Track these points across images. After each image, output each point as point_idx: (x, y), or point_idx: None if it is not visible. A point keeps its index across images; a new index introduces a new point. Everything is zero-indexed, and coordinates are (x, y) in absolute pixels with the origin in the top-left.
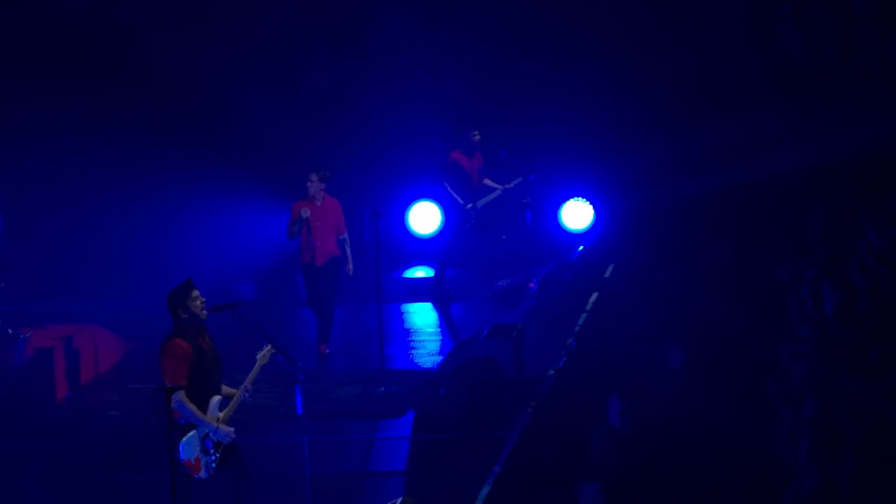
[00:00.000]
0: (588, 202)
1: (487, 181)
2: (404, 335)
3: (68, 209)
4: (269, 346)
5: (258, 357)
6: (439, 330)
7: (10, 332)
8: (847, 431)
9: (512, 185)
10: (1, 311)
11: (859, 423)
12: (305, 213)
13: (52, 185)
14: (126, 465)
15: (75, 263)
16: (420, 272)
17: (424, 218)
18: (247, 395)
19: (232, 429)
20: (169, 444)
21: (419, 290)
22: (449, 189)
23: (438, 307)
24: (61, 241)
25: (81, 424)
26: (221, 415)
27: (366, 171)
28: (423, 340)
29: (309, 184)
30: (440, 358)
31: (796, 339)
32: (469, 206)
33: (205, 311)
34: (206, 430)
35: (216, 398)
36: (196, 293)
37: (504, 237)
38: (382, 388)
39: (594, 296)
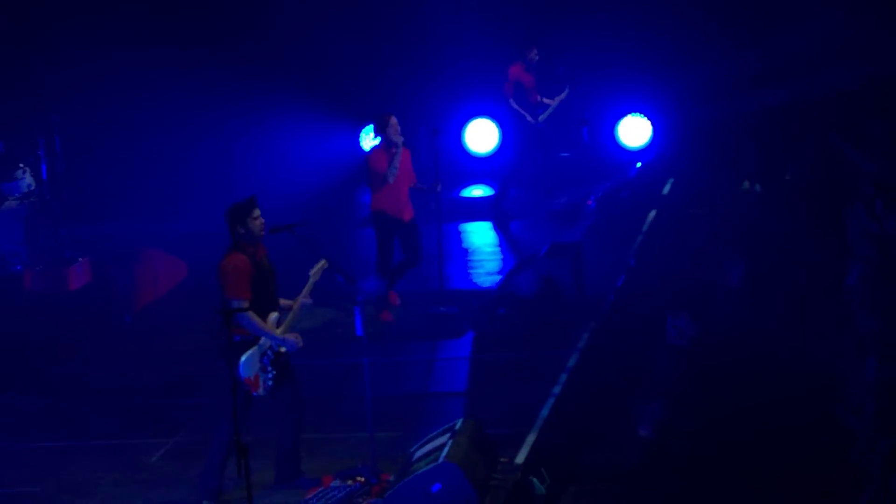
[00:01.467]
0: (646, 118)
1: (542, 98)
2: (463, 255)
3: (125, 132)
4: (323, 261)
5: (311, 273)
6: (498, 249)
7: (69, 255)
8: None
9: (564, 96)
10: (59, 235)
11: None
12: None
13: (109, 108)
14: (186, 388)
15: (133, 187)
16: (478, 191)
17: (482, 136)
18: (307, 302)
19: (298, 336)
20: (229, 364)
21: (478, 210)
22: (515, 105)
23: (497, 226)
24: (118, 165)
25: (142, 347)
26: (280, 330)
27: (423, 87)
28: (482, 260)
29: (391, 129)
30: (499, 277)
31: (858, 256)
32: (538, 119)
33: (263, 231)
34: (265, 348)
35: (273, 314)
36: (258, 212)
37: (564, 154)
38: (442, 309)
39: (652, 213)
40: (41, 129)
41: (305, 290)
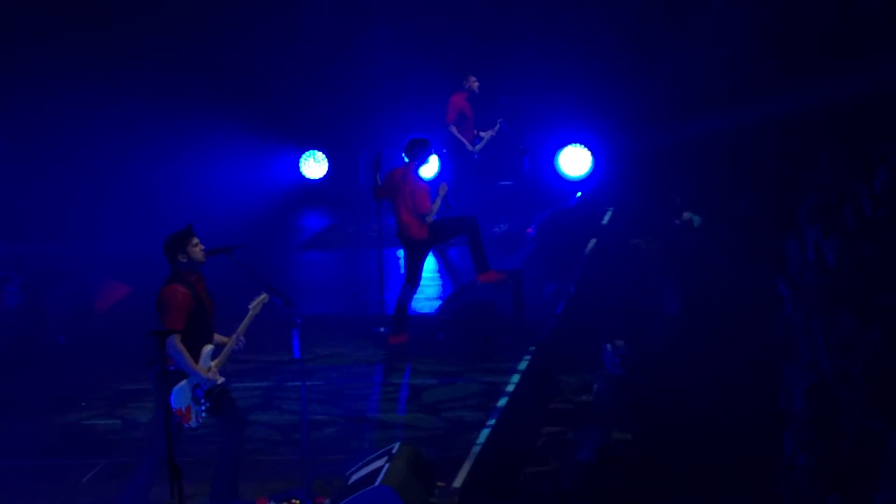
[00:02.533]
0: (586, 148)
1: (477, 132)
2: (403, 280)
3: (61, 152)
4: (264, 296)
5: (251, 307)
6: (438, 275)
7: (2, 274)
8: (848, 377)
9: (497, 129)
10: None
11: (860, 370)
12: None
13: (43, 127)
14: (119, 409)
15: (67, 207)
16: None
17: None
18: (239, 345)
19: (218, 376)
20: (161, 390)
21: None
22: (456, 132)
23: (437, 252)
24: (52, 185)
25: (75, 367)
26: (213, 364)
27: (360, 116)
28: (422, 286)
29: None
30: (439, 303)
31: (797, 284)
32: (476, 148)
33: (203, 257)
34: (196, 381)
35: (208, 347)
36: (196, 240)
37: (505, 182)
38: (382, 329)
39: (592, 242)
40: None
41: (242, 327)
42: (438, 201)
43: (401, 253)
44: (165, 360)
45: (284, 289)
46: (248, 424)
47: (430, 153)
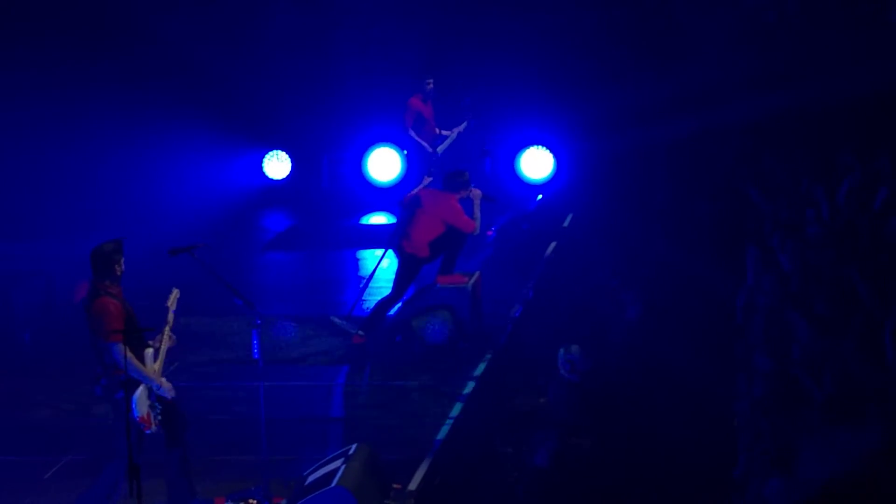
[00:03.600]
0: (548, 150)
1: (440, 130)
2: (361, 282)
3: (29, 152)
4: (176, 291)
5: (168, 304)
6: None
7: None
8: (803, 385)
9: (462, 127)
10: None
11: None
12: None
13: (13, 128)
14: (81, 406)
15: (33, 206)
16: (378, 218)
17: (384, 164)
18: (173, 342)
19: (171, 386)
20: (125, 399)
21: (377, 237)
22: (414, 135)
23: (397, 254)
24: (18, 183)
25: (39, 365)
26: (156, 365)
27: (323, 116)
28: (380, 287)
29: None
30: (397, 305)
31: (756, 290)
32: (436, 150)
33: (122, 271)
34: (149, 384)
35: (149, 350)
36: (122, 258)
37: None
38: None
39: (552, 245)
40: None
41: (167, 328)
42: (478, 210)
43: (363, 254)
44: (116, 371)
45: (245, 289)
46: (205, 424)
47: (467, 186)
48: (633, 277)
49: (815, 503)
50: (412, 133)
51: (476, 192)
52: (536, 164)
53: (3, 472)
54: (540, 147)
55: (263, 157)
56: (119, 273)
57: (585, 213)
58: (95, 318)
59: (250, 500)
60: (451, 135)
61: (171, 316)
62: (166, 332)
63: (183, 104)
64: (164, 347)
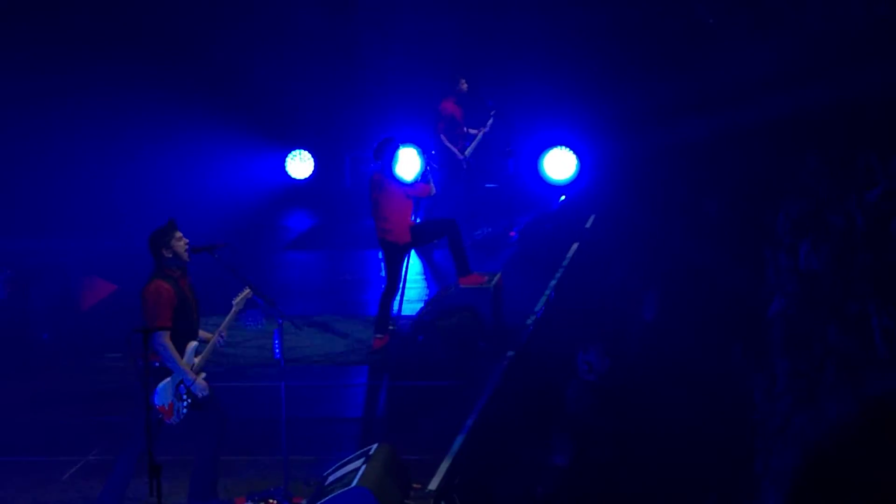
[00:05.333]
0: (572, 151)
1: (468, 129)
2: (384, 282)
3: (50, 148)
4: (247, 290)
5: (234, 302)
6: (420, 277)
7: None
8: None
9: (488, 127)
10: None
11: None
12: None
13: (31, 123)
14: (101, 406)
15: (54, 203)
16: None
17: (407, 164)
18: (221, 341)
19: (207, 384)
20: (144, 387)
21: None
22: (445, 141)
23: (422, 255)
24: (40, 180)
25: (58, 364)
26: (197, 360)
27: (346, 116)
28: (407, 288)
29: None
30: (420, 305)
31: (780, 291)
32: (466, 155)
33: (188, 253)
34: (181, 378)
35: (192, 344)
36: (179, 234)
37: (489, 185)
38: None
39: (574, 246)
40: None
41: (226, 323)
42: (430, 180)
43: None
44: (151, 356)
45: (267, 288)
46: (229, 423)
47: (397, 150)
48: (652, 277)
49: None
50: (444, 139)
51: (410, 151)
52: (560, 164)
53: (23, 472)
54: (563, 148)
55: (286, 156)
56: (169, 256)
57: (607, 214)
58: (143, 301)
59: (270, 500)
60: (478, 135)
61: (233, 314)
62: (221, 329)
63: (206, 103)
64: (212, 342)
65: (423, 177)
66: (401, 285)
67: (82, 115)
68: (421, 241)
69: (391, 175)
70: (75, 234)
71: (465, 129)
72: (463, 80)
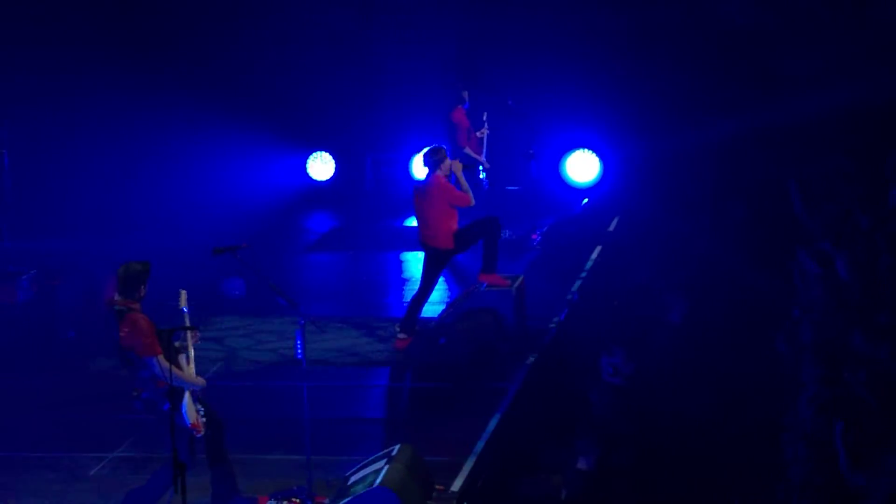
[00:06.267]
0: (594, 153)
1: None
2: (405, 284)
3: (74, 149)
4: (184, 292)
5: (181, 306)
6: (441, 279)
7: (14, 269)
8: (855, 394)
9: (486, 126)
10: (4, 248)
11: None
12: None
13: (58, 124)
14: (127, 403)
15: (79, 203)
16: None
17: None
18: (197, 341)
19: (204, 381)
20: (172, 410)
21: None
22: (471, 152)
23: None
24: (65, 181)
25: (84, 362)
26: (191, 368)
27: (367, 118)
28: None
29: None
30: (441, 307)
31: (806, 297)
32: (483, 159)
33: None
34: (190, 388)
35: (182, 354)
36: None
37: (511, 188)
38: (441, 340)
39: (597, 249)
40: None
41: (188, 324)
42: (463, 180)
43: (406, 256)
44: (159, 384)
45: (289, 290)
46: (249, 423)
47: (444, 158)
48: (676, 280)
49: None
50: (470, 151)
51: (455, 164)
52: (582, 167)
53: (51, 468)
54: (586, 150)
55: (307, 158)
56: (142, 294)
57: (631, 217)
58: (130, 335)
59: (293, 500)
60: (482, 135)
61: (186, 316)
62: (190, 333)
63: (227, 105)
64: (190, 348)
65: (458, 185)
66: (431, 292)
67: (105, 116)
68: (465, 246)
69: (436, 183)
70: (98, 234)
71: (474, 134)
72: (465, 91)
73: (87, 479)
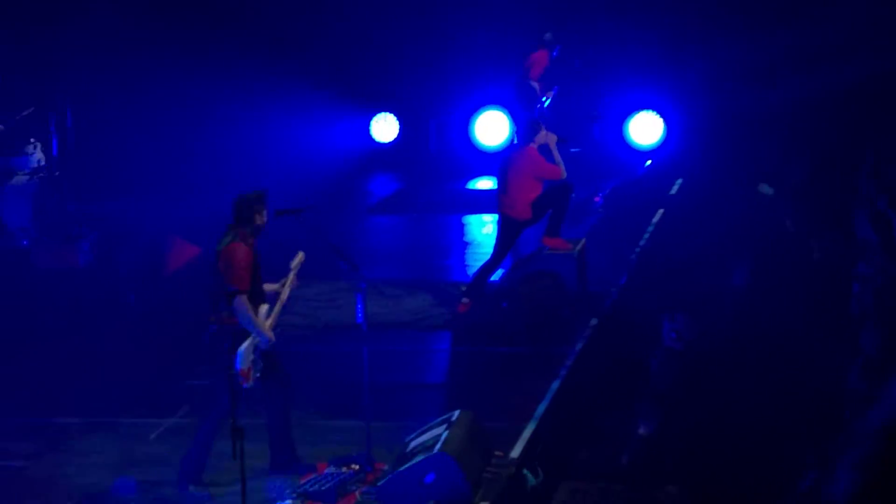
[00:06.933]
0: (658, 115)
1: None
2: (467, 247)
3: (137, 112)
4: (301, 254)
5: (292, 266)
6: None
7: (76, 232)
8: None
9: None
10: (67, 212)
11: None
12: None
13: (121, 87)
14: (186, 369)
15: (142, 166)
16: (484, 183)
17: (491, 128)
18: (290, 293)
19: (272, 335)
20: (224, 349)
21: (483, 202)
22: (537, 86)
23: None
24: (128, 144)
25: (144, 327)
26: (270, 319)
27: (432, 79)
28: (487, 253)
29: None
30: (503, 271)
31: (868, 262)
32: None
33: (264, 222)
34: (257, 339)
35: (265, 306)
36: (264, 209)
37: (574, 150)
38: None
39: (660, 212)
40: (53, 106)
41: (287, 286)
42: (556, 153)
43: (469, 219)
44: (229, 319)
45: (351, 252)
46: (309, 388)
47: (538, 132)
48: (740, 244)
49: None
50: (535, 84)
51: (551, 136)
52: (646, 129)
53: (111, 433)
54: (650, 111)
55: (371, 119)
56: (259, 223)
57: (694, 179)
58: (224, 262)
59: (353, 465)
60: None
61: (292, 275)
62: (285, 291)
63: (291, 66)
64: (278, 306)
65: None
66: (503, 260)
67: (167, 78)
68: (541, 214)
69: (526, 152)
70: (160, 198)
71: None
72: (549, 34)
73: (147, 444)
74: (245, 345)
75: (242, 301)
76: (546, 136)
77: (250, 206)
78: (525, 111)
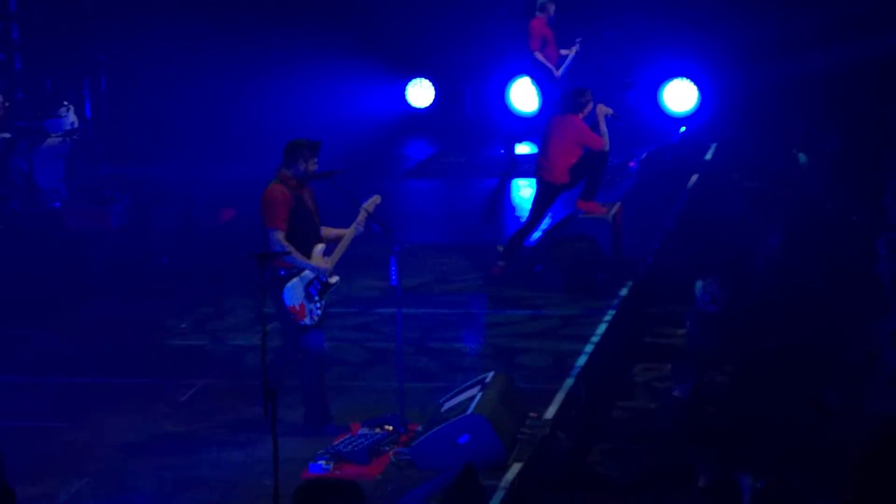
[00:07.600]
0: (692, 82)
1: (560, 51)
2: (501, 211)
3: (171, 75)
4: (376, 196)
5: (365, 206)
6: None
7: (109, 194)
8: None
9: (576, 48)
10: (100, 174)
11: None
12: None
13: (155, 50)
14: (220, 331)
15: (175, 129)
16: (522, 147)
17: (526, 94)
18: (358, 232)
19: (326, 263)
20: (274, 298)
21: (519, 166)
22: (541, 58)
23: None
24: (162, 107)
25: (178, 289)
26: (329, 258)
27: (468, 45)
28: (521, 216)
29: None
30: (538, 234)
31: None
32: (559, 72)
33: (313, 172)
34: (309, 278)
35: (320, 245)
36: (315, 160)
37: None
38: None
39: (694, 177)
40: (87, 68)
41: (360, 219)
42: (604, 125)
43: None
44: (277, 263)
45: (384, 216)
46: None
47: (588, 103)
48: (774, 207)
49: None
50: (539, 55)
51: (602, 109)
52: (680, 96)
53: (142, 394)
54: (684, 79)
55: (406, 84)
56: (304, 169)
57: (728, 146)
58: (262, 201)
59: (386, 426)
60: (570, 54)
61: (362, 215)
62: (351, 229)
63: (328, 32)
64: (347, 237)
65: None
66: (540, 223)
67: (202, 42)
68: (577, 181)
69: (571, 122)
70: (194, 162)
71: (558, 50)
72: (553, 4)
73: (178, 405)
74: (293, 282)
75: (278, 238)
76: (599, 108)
77: (296, 151)
78: (547, 82)
